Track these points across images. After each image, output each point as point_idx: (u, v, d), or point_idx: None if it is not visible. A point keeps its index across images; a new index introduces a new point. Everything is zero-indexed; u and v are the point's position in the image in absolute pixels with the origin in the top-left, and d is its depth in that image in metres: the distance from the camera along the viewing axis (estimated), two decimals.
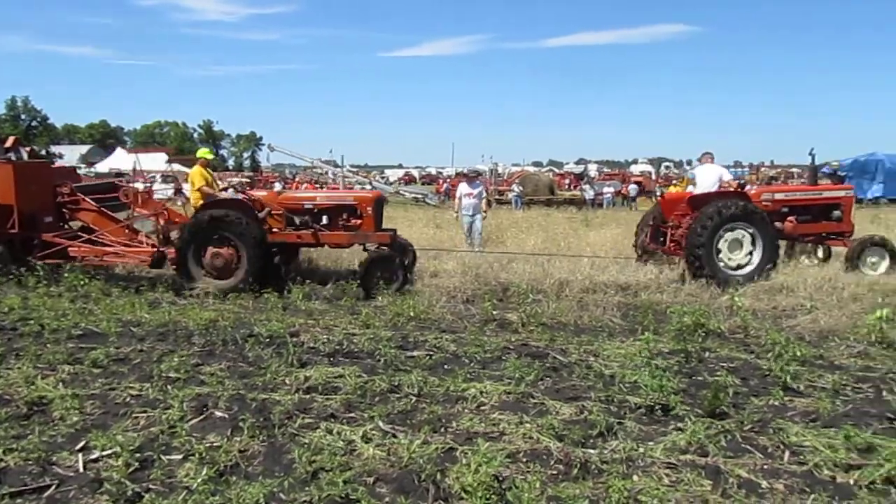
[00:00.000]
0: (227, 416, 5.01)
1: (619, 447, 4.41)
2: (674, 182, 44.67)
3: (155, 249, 10.60)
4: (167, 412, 5.00)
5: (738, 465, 4.19)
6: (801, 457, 4.32)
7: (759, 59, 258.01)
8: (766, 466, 4.20)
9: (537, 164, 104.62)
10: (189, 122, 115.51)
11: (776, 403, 5.33)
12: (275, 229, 10.63)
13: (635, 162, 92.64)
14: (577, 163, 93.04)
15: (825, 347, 7.09)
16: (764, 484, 3.97)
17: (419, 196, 37.91)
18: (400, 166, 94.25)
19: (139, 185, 11.74)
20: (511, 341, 7.19)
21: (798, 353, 6.34)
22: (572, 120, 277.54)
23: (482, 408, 5.20)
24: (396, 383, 5.70)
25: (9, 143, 11.56)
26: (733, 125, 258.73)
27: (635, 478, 4.02)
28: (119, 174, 16.23)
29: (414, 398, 5.39)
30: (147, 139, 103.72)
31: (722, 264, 10.74)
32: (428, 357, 6.58)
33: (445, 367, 6.31)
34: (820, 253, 12.90)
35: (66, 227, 11.57)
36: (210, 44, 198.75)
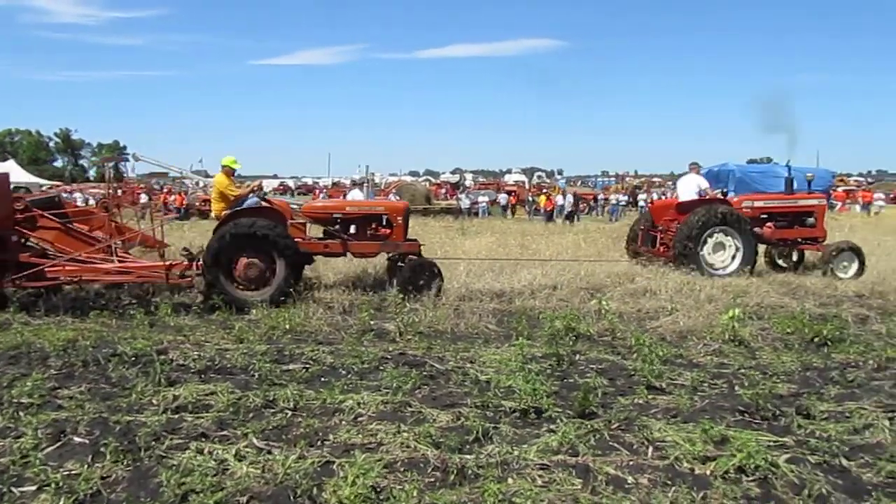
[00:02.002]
0: (87, 441, 4.70)
1: (495, 451, 4.49)
2: (545, 191, 46.24)
3: (167, 265, 9.69)
4: (19, 441, 4.64)
5: (607, 462, 4.36)
6: (664, 451, 4.55)
7: (623, 71, 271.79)
8: (631, 462, 4.40)
9: (414, 173, 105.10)
10: (44, 130, 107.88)
11: (641, 402, 5.61)
12: (296, 239, 10.23)
13: (509, 171, 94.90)
14: (454, 172, 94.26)
15: (684, 347, 7.53)
16: (630, 479, 4.15)
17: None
18: (275, 176, 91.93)
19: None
20: (389, 351, 7.18)
21: (660, 353, 6.71)
22: (448, 130, 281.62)
23: (359, 419, 5.15)
24: (271, 398, 5.56)
25: None
26: (601, 135, 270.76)
27: (510, 480, 4.10)
28: None
29: (290, 412, 5.28)
30: None
31: (708, 264, 11.88)
32: (304, 370, 6.47)
33: (322, 379, 6.23)
34: (794, 256, 13.99)
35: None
36: (67, 48, 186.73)
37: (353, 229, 10.79)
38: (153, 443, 4.64)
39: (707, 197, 13.03)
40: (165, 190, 44.14)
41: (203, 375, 6.28)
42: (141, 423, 4.99)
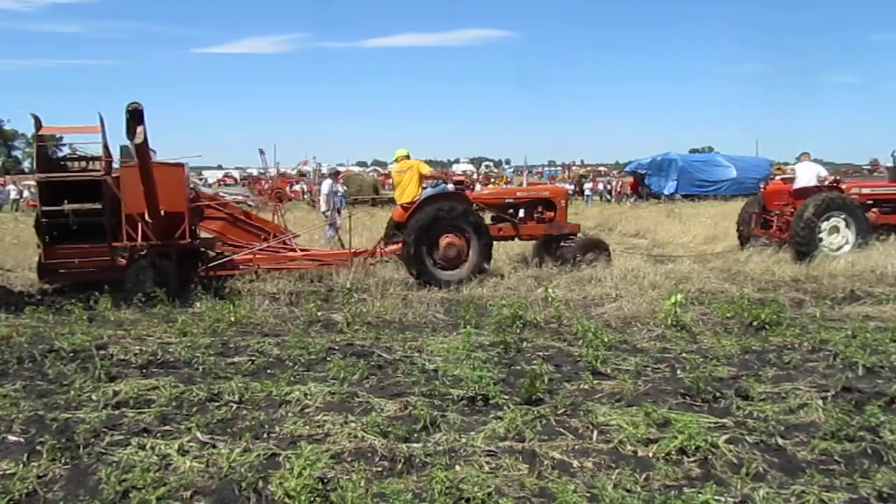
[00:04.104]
0: (22, 440, 4.57)
1: (442, 439, 4.51)
2: (493, 180, 46.52)
3: (352, 252, 10.53)
4: None
5: (553, 447, 4.42)
6: (608, 435, 4.62)
7: (570, 63, 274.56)
8: (577, 447, 4.46)
9: (362, 164, 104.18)
10: None
11: (586, 387, 5.69)
12: None
13: (457, 161, 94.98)
14: None
15: (628, 332, 7.65)
16: (575, 463, 4.21)
17: (238, 198, 36.75)
18: (219, 167, 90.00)
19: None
20: (336, 341, 7.14)
21: (605, 339, 6.79)
22: (395, 120, 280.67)
23: (306, 410, 5.11)
24: (216, 391, 5.48)
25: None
26: (548, 125, 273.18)
27: (458, 468, 4.12)
28: None
29: (235, 405, 5.21)
30: None
31: (823, 247, 12.52)
32: (250, 362, 6.39)
33: (268, 371, 6.16)
34: (892, 239, 14.40)
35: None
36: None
37: (521, 213, 11.68)
38: (92, 440, 4.53)
39: (825, 184, 13.78)
40: None
41: (145, 370, 6.16)
42: (79, 420, 4.86)
